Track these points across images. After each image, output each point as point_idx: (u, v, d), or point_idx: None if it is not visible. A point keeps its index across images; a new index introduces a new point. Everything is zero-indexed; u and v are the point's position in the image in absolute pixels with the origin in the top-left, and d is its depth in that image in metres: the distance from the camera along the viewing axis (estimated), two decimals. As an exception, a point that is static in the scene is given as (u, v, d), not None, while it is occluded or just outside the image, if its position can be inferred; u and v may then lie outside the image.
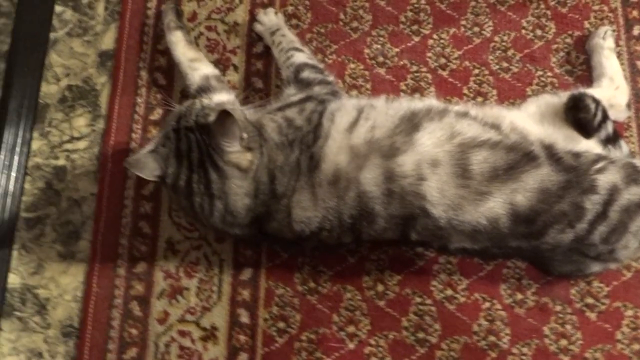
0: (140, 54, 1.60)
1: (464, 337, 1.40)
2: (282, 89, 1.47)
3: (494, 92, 1.56)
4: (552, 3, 1.63)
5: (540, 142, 1.26)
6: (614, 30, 1.58)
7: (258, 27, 1.60)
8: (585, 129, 1.31)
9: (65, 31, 1.63)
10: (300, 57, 1.47)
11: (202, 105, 1.26)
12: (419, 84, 1.57)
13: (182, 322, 1.42)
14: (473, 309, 1.41)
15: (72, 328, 1.43)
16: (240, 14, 1.63)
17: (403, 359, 1.39)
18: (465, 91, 1.56)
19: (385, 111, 1.29)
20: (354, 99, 1.42)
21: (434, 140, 1.22)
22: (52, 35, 1.63)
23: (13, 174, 1.51)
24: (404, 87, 1.56)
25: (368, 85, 1.57)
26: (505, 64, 1.58)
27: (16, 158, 1.52)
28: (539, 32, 1.61)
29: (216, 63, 1.57)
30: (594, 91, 1.43)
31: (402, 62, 1.58)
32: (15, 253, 1.47)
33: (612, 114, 1.41)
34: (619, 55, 1.55)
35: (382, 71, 1.58)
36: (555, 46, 1.60)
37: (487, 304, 1.42)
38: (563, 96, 1.38)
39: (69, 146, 1.55)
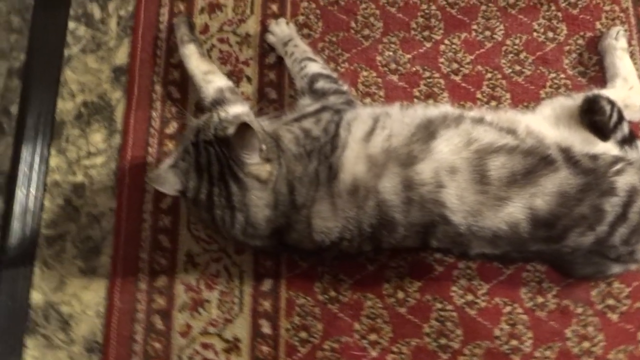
0: (154, 68, 1.61)
1: (486, 342, 1.39)
2: (297, 99, 1.47)
3: (508, 95, 1.55)
4: (563, 5, 1.63)
5: (556, 145, 1.26)
6: (625, 30, 1.57)
7: (270, 38, 1.60)
8: (602, 131, 1.30)
9: (79, 47, 1.64)
10: (314, 67, 1.48)
11: (219, 119, 1.27)
12: (432, 90, 1.56)
13: (205, 334, 1.43)
14: (494, 314, 1.41)
15: (95, 343, 1.44)
16: (251, 25, 1.64)
17: (426, 365, 1.39)
18: (479, 96, 1.56)
19: (401, 119, 1.29)
20: (369, 107, 1.42)
21: (451, 147, 1.22)
22: (66, 52, 1.64)
23: (32, 192, 1.51)
24: (417, 94, 1.56)
25: (381, 93, 1.57)
26: (518, 67, 1.58)
27: (35, 175, 1.53)
28: (550, 34, 1.61)
29: (229, 75, 1.58)
30: (608, 92, 1.42)
31: (414, 69, 1.58)
32: (36, 270, 1.48)
33: (627, 115, 1.40)
34: (631, 54, 1.55)
35: (394, 78, 1.58)
36: (567, 48, 1.59)
37: (508, 308, 1.41)
38: (577, 98, 1.38)
39: (86, 162, 1.55)
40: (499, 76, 1.57)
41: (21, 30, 1.64)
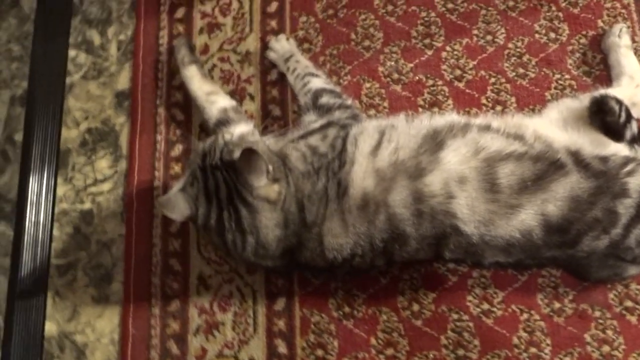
0: (157, 91, 1.61)
1: (505, 350, 1.38)
2: (301, 115, 1.46)
3: (513, 99, 1.54)
4: (563, 4, 1.61)
5: (565, 149, 1.25)
6: (628, 27, 1.55)
7: (271, 55, 1.59)
8: (615, 132, 1.28)
9: (81, 74, 1.64)
10: (317, 83, 1.47)
11: (224, 142, 1.26)
12: (437, 98, 1.55)
13: (220, 357, 1.42)
14: (511, 322, 1.39)
15: (112, 371, 1.44)
16: (251, 43, 1.63)
17: (445, 377, 1.38)
18: (484, 101, 1.54)
19: (407, 131, 1.28)
20: (374, 120, 1.40)
21: (460, 157, 1.21)
22: (68, 79, 1.64)
23: (41, 222, 1.52)
24: (421, 102, 1.55)
25: (385, 104, 1.56)
26: (521, 70, 1.56)
27: (43, 206, 1.53)
28: (552, 35, 1.59)
29: (232, 94, 1.58)
30: (614, 91, 1.40)
31: (417, 77, 1.57)
32: (49, 301, 1.48)
33: (635, 113, 1.37)
34: (635, 51, 1.52)
35: (398, 88, 1.57)
36: (570, 48, 1.57)
37: (525, 315, 1.39)
38: (584, 99, 1.37)
39: (93, 189, 1.56)
40: (503, 80, 1.56)
41: (22, 57, 1.64)
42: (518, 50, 1.58)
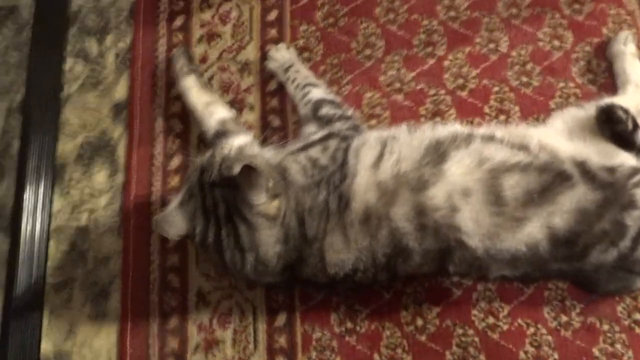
0: (154, 102, 1.58)
1: (512, 366, 1.35)
2: (301, 126, 1.44)
3: (516, 108, 1.52)
4: (567, 12, 1.59)
5: (571, 159, 1.23)
6: (634, 34, 1.53)
7: (271, 65, 1.57)
8: (625, 141, 1.26)
9: (78, 85, 1.62)
10: (317, 93, 1.45)
11: (222, 157, 1.23)
12: (439, 108, 1.53)
13: (221, 375, 1.39)
14: (518, 336, 1.36)
15: (110, 392, 1.41)
16: (251, 52, 1.62)
17: (450, 394, 1.35)
18: (487, 110, 1.52)
19: (409, 142, 1.26)
20: (376, 131, 1.38)
21: (463, 168, 1.19)
22: (65, 90, 1.61)
23: (36, 239, 1.49)
24: (423, 112, 1.53)
25: (386, 114, 1.53)
26: (525, 79, 1.54)
27: (38, 222, 1.50)
28: (556, 42, 1.57)
29: (231, 103, 1.56)
30: (619, 99, 1.38)
31: (419, 87, 1.55)
32: (45, 319, 1.45)
33: None
34: None
35: (399, 97, 1.55)
36: (574, 56, 1.55)
37: (532, 329, 1.36)
38: (589, 108, 1.35)
39: (90, 204, 1.53)
40: (506, 89, 1.53)
41: (20, 64, 1.62)
42: (521, 58, 1.56)
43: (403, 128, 1.31)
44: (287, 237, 1.21)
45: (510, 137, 1.27)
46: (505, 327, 1.37)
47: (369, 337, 1.38)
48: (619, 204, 1.16)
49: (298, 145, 1.35)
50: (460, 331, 1.37)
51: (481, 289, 1.39)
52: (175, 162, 1.54)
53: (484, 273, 1.23)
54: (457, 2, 1.62)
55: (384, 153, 1.24)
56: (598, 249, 1.17)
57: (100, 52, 1.64)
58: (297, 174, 1.25)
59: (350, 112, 1.43)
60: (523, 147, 1.25)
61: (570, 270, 1.23)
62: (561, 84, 1.53)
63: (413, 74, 1.57)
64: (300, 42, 1.61)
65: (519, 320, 1.37)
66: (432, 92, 1.55)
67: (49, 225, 1.50)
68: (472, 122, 1.50)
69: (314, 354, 1.38)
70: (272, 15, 1.65)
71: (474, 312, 1.38)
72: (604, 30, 1.57)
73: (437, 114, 1.52)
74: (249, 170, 1.14)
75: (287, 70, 1.53)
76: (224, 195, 1.19)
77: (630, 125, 1.29)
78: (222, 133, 1.42)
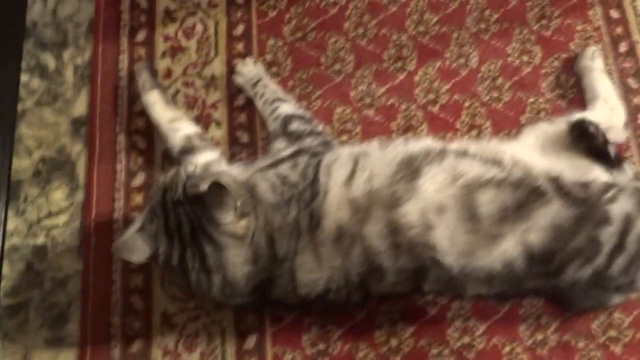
0: (116, 118, 1.53)
1: (487, 386, 1.33)
2: (270, 142, 1.42)
3: (488, 123, 1.52)
4: (535, 27, 1.60)
5: (545, 175, 1.22)
6: (600, 49, 1.55)
7: (238, 79, 1.54)
8: (601, 155, 1.28)
9: (34, 100, 1.56)
10: (287, 108, 1.42)
11: (187, 175, 1.19)
12: (410, 123, 1.52)
13: (186, 402, 1.33)
14: (493, 355, 1.35)
15: (67, 422, 1.33)
16: (217, 67, 1.58)
17: (426, 417, 1.32)
18: (459, 125, 1.52)
19: (382, 158, 1.24)
20: (347, 147, 1.35)
21: (437, 184, 1.17)
22: (20, 106, 1.55)
23: (-11, 259, 1.41)
24: (395, 128, 1.52)
25: (358, 129, 1.51)
26: (495, 94, 1.54)
27: (-8, 241, 1.43)
28: (525, 57, 1.58)
29: (197, 120, 1.51)
30: (589, 114, 1.40)
31: (390, 102, 1.54)
32: (-2, 345, 1.37)
33: (611, 136, 1.37)
34: (608, 74, 1.52)
35: (370, 113, 1.53)
36: (543, 71, 1.56)
37: (508, 348, 1.35)
38: (559, 123, 1.36)
39: (47, 222, 1.47)
40: (477, 104, 1.53)
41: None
42: (491, 73, 1.57)
43: (374, 144, 1.29)
44: (256, 257, 1.17)
45: (483, 153, 1.27)
46: (481, 346, 1.36)
47: (342, 359, 1.35)
48: (593, 220, 1.16)
49: (267, 162, 1.32)
50: (435, 351, 1.36)
51: (456, 307, 1.38)
52: (139, 179, 1.49)
53: (460, 292, 1.22)
54: (426, 16, 1.62)
55: (356, 170, 1.22)
56: (573, 266, 1.16)
57: (57, 68, 1.59)
58: (266, 192, 1.21)
59: (320, 127, 1.41)
60: (497, 162, 1.24)
61: (546, 288, 1.22)
62: (531, 99, 1.54)
63: (383, 89, 1.55)
64: (268, 56, 1.58)
65: (495, 339, 1.36)
66: (403, 107, 1.53)
67: (2, 244, 1.43)
68: (444, 138, 1.49)
69: (285, 378, 1.34)
70: (239, 30, 1.61)
71: (449, 331, 1.37)
72: (571, 46, 1.59)
73: (408, 129, 1.51)
74: (217, 188, 1.09)
75: (255, 85, 1.49)
76: (188, 214, 1.14)
77: (601, 140, 1.30)
78: (188, 149, 1.38)
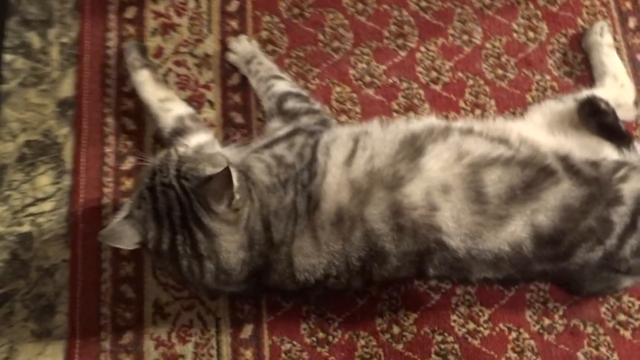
0: (104, 99, 1.47)
1: (494, 374, 1.30)
2: (266, 122, 1.36)
3: (492, 102, 1.48)
4: (542, 3, 1.56)
5: (554, 153, 1.20)
6: (609, 25, 1.50)
7: (232, 57, 1.48)
8: (614, 132, 1.25)
9: (18, 82, 1.49)
10: (282, 86, 1.37)
11: (178, 156, 1.13)
12: (412, 102, 1.47)
13: (180, 394, 1.29)
14: (499, 341, 1.32)
15: (56, 417, 1.29)
16: (210, 45, 1.51)
17: (430, 406, 1.29)
18: (462, 104, 1.48)
19: (383, 137, 1.20)
20: (347, 127, 1.32)
21: (442, 163, 1.14)
22: (4, 87, 1.48)
23: (-28, 249, 1.36)
24: (396, 107, 1.47)
25: (357, 109, 1.46)
26: (500, 72, 1.50)
27: (-25, 230, 1.37)
28: (531, 34, 1.53)
29: (189, 100, 1.45)
30: (598, 92, 1.37)
31: (391, 80, 1.49)
32: (-18, 338, 1.32)
33: (621, 114, 1.33)
34: (617, 50, 1.48)
35: (370, 92, 1.48)
36: (550, 47, 1.52)
37: (514, 334, 1.33)
38: (567, 101, 1.34)
39: (33, 209, 1.41)
40: (482, 82, 1.49)
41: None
42: (496, 50, 1.53)
43: (375, 123, 1.26)
44: (252, 243, 1.12)
45: (489, 131, 1.24)
46: (487, 333, 1.33)
47: (343, 348, 1.31)
48: (604, 200, 1.13)
49: (262, 143, 1.27)
50: (439, 338, 1.33)
51: (460, 292, 1.35)
52: (128, 163, 1.43)
53: (465, 276, 1.18)
54: (428, -8, 1.57)
55: (356, 149, 1.18)
56: (584, 247, 1.13)
57: (42, 47, 1.52)
58: (261, 174, 1.17)
59: (317, 105, 1.36)
60: (503, 141, 1.22)
61: (554, 271, 1.19)
62: (537, 77, 1.51)
63: (384, 67, 1.50)
64: (264, 34, 1.52)
65: (501, 325, 1.33)
66: (404, 85, 1.49)
67: (-15, 233, 1.37)
68: (447, 117, 1.45)
69: (283, 368, 1.30)
70: (233, 6, 1.55)
71: (454, 317, 1.33)
72: (579, 21, 1.54)
73: (410, 109, 1.47)
74: (222, 177, 1.04)
75: (249, 62, 1.44)
76: (179, 198, 1.08)
77: (613, 118, 1.28)
78: (180, 131, 1.33)
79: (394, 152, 1.16)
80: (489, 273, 1.16)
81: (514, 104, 1.47)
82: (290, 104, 1.32)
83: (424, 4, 1.55)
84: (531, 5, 1.55)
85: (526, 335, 1.31)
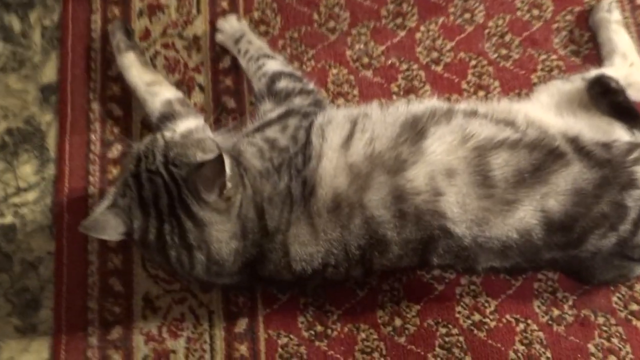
0: (89, 84, 1.46)
1: (501, 367, 1.28)
2: (257, 104, 1.32)
3: (496, 83, 1.44)
4: (546, -23, 1.52)
5: (563, 135, 1.16)
6: (617, 1, 1.46)
7: (219, 37, 1.45)
8: (627, 112, 1.21)
9: (-2, 67, 1.47)
10: (273, 65, 1.33)
11: (165, 141, 1.10)
12: (412, 84, 1.44)
13: (172, 391, 1.28)
14: (506, 333, 1.29)
15: (42, 416, 1.28)
16: (199, 26, 1.49)
17: (434, 402, 1.27)
18: (465, 86, 1.44)
19: (383, 119, 1.17)
20: (344, 109, 1.29)
21: (446, 146, 1.11)
22: (-18, 73, 1.46)
23: (-48, 241, 1.35)
24: (395, 89, 1.44)
25: (355, 91, 1.43)
26: (504, 51, 1.46)
27: (-47, 222, 1.36)
28: (535, 11, 1.49)
29: (178, 84, 1.44)
30: (607, 71, 1.33)
31: (389, 61, 1.46)
32: (-37, 335, 1.32)
33: (630, 94, 1.29)
34: (625, 27, 1.44)
35: (368, 74, 1.45)
36: (555, 25, 1.48)
37: (522, 326, 1.29)
38: (575, 80, 1.31)
39: (16, 200, 1.39)
40: (485, 62, 1.46)
41: None
42: (499, 29, 1.49)
43: (374, 104, 1.22)
44: (245, 231, 1.09)
45: (494, 112, 1.21)
46: (493, 324, 1.30)
47: (342, 341, 1.29)
48: (618, 183, 1.09)
49: (253, 126, 1.24)
50: (443, 330, 1.30)
51: (465, 283, 1.32)
52: (115, 150, 1.41)
53: (471, 265, 1.15)
54: (427, -31, 1.53)
55: (354, 132, 1.14)
56: (596, 234, 1.10)
57: (23, 30, 1.51)
58: (253, 158, 1.14)
59: (311, 85, 1.32)
60: (509, 123, 1.19)
61: (564, 259, 1.16)
62: (543, 56, 1.47)
63: (382, 47, 1.47)
64: (256, 14, 1.50)
65: (507, 316, 1.30)
66: (404, 67, 1.46)
67: (-34, 225, 1.37)
68: (449, 99, 1.42)
69: (280, 363, 1.29)
70: (223, -14, 1.51)
71: (458, 308, 1.31)
72: (586, -3, 1.51)
73: (410, 91, 1.44)
74: (217, 162, 1.00)
75: (237, 41, 1.41)
76: (167, 185, 1.05)
77: (624, 97, 1.24)
78: (168, 115, 1.29)
79: (395, 134, 1.12)
80: (496, 262, 1.13)
81: (518, 84, 1.43)
82: (282, 84, 1.28)
83: (423, -20, 1.51)
84: (535, -19, 1.51)
85: (534, 327, 1.29)
